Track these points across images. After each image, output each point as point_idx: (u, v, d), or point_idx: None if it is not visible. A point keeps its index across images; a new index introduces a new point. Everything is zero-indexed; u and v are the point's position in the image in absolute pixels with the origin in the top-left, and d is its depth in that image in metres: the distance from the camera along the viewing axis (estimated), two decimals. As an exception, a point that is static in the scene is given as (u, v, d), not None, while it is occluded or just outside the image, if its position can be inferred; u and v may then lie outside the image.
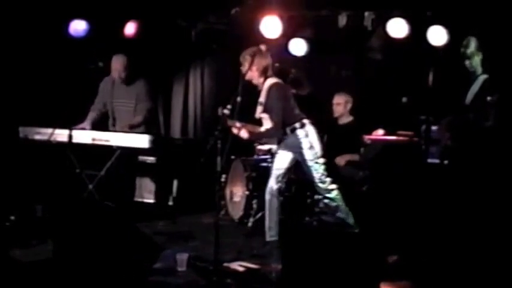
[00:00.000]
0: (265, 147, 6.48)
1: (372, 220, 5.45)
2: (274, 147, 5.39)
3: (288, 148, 5.19)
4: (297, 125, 5.11)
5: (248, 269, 4.68)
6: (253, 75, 5.12)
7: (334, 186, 5.18)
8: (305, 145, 5.09)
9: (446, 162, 5.13)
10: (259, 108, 5.17)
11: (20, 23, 6.49)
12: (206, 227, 5.93)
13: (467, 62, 5.03)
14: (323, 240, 3.82)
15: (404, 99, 5.79)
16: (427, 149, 5.32)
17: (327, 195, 5.17)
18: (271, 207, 5.19)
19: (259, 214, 6.20)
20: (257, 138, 5.31)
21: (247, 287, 4.32)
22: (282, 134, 5.17)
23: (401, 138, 5.95)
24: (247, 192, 6.31)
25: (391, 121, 6.12)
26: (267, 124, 5.16)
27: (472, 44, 4.99)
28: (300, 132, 5.10)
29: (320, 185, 5.16)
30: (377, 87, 6.70)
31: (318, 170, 5.12)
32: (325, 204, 5.26)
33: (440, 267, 4.37)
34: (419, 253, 4.71)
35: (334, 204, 5.18)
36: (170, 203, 6.82)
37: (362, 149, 6.14)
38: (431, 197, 5.05)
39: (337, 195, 5.18)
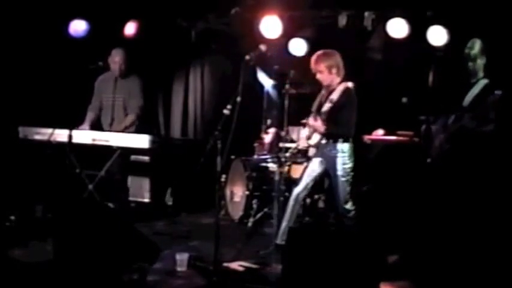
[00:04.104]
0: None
1: (372, 220, 5.45)
2: (311, 153, 5.31)
3: (324, 158, 5.13)
4: (342, 138, 5.06)
5: (248, 269, 4.68)
6: (325, 77, 5.12)
7: (354, 207, 5.12)
8: (339, 160, 5.02)
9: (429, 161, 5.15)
10: (327, 105, 5.09)
11: (20, 23, 6.49)
12: (206, 227, 5.93)
13: (470, 64, 4.97)
14: (323, 240, 3.82)
15: (404, 99, 5.79)
16: (427, 149, 5.32)
17: (347, 215, 5.10)
18: (293, 213, 5.16)
19: (259, 214, 6.21)
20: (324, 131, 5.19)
21: (247, 287, 4.33)
22: (325, 142, 5.12)
23: (401, 138, 5.95)
24: (247, 192, 6.31)
25: (391, 121, 6.11)
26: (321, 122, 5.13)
27: (477, 47, 4.92)
28: (339, 146, 5.03)
29: (343, 204, 5.09)
30: (377, 87, 6.69)
31: (345, 188, 5.05)
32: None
33: (440, 267, 4.37)
34: (419, 253, 4.70)
35: (350, 223, 5.12)
36: (170, 203, 6.83)
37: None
38: (431, 197, 5.05)
39: (354, 215, 5.12)
